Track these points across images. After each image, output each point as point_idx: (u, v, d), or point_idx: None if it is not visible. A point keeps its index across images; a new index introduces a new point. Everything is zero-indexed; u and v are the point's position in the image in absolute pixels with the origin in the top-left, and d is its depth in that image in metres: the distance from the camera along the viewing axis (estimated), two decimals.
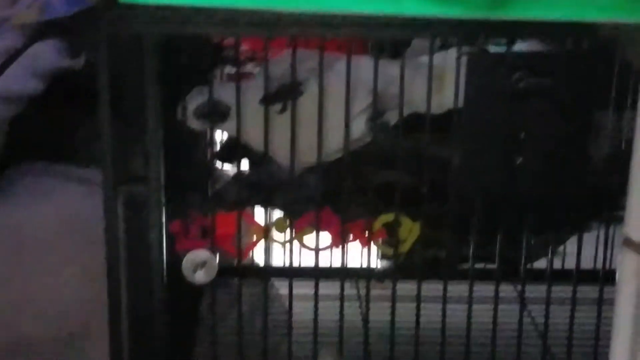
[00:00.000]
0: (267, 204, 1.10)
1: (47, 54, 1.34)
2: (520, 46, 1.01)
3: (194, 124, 1.07)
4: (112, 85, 0.98)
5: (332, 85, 1.04)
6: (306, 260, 1.21)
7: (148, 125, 0.99)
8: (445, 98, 1.04)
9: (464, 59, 1.00)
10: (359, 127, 1.06)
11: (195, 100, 1.07)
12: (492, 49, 1.01)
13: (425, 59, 1.02)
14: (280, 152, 1.07)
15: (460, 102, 1.02)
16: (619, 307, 0.66)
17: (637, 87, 0.70)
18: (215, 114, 1.05)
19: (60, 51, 1.36)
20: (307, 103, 1.05)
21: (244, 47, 1.29)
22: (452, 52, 1.03)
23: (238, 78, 1.06)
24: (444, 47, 1.08)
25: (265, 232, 1.09)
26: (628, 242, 0.64)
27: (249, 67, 1.34)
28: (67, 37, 1.37)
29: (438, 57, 1.02)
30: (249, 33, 1.01)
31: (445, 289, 1.10)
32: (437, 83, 1.02)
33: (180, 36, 1.00)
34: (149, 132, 0.99)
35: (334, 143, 1.05)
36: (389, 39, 1.05)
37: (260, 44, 1.18)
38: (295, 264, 1.13)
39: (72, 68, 1.32)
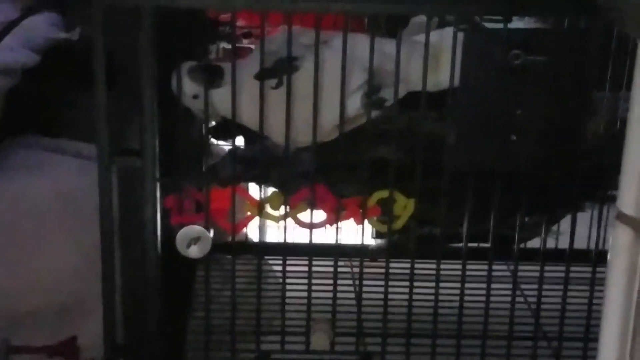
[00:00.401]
0: (262, 180, 1.10)
1: (42, 27, 1.33)
2: (517, 23, 1.01)
3: (188, 87, 1.06)
4: (108, 58, 0.97)
5: (328, 62, 1.03)
6: (300, 237, 1.22)
7: (143, 99, 0.98)
8: (441, 77, 1.04)
9: (460, 37, 0.99)
10: (355, 103, 1.06)
11: (190, 64, 1.06)
12: (489, 25, 1.01)
13: (421, 37, 1.02)
14: (275, 130, 1.07)
15: (457, 79, 1.01)
16: (610, 281, 0.66)
17: (633, 66, 0.69)
18: (209, 74, 1.04)
19: (55, 24, 1.36)
20: (302, 80, 1.05)
21: (241, 23, 1.29)
22: (449, 31, 1.03)
23: (234, 53, 1.06)
24: (442, 25, 1.08)
25: (259, 208, 1.09)
26: (621, 216, 0.64)
27: (245, 44, 1.35)
28: (62, 10, 1.37)
29: (434, 36, 1.02)
30: (244, 7, 1.00)
31: (438, 268, 1.10)
32: (433, 62, 1.02)
33: (176, 10, 0.99)
34: (144, 105, 0.99)
35: (330, 120, 1.05)
36: (385, 14, 1.04)
37: (256, 20, 1.18)
38: (289, 241, 1.13)
39: (67, 41, 1.32)
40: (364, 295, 1.14)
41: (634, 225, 0.63)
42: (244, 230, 1.34)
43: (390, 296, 1.11)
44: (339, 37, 1.03)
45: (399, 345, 1.13)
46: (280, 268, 1.13)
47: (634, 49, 0.66)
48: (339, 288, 1.11)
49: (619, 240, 0.65)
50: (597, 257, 1.14)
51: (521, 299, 1.25)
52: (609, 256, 0.67)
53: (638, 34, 0.62)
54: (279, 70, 1.04)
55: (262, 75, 1.03)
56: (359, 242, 1.12)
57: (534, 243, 1.24)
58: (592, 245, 1.26)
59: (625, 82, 1.16)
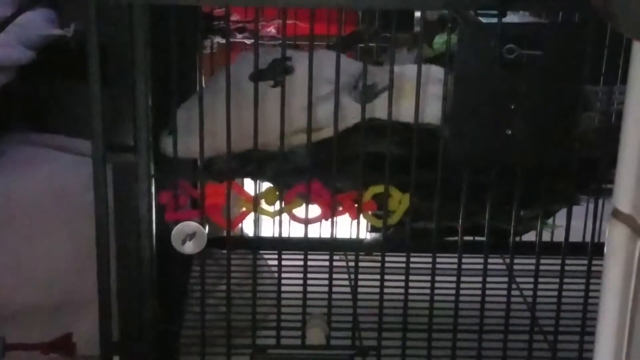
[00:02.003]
0: (257, 176, 1.10)
1: (36, 23, 1.33)
2: (511, 17, 1.01)
3: None
4: (102, 54, 0.97)
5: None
6: (295, 231, 1.21)
7: (137, 95, 0.98)
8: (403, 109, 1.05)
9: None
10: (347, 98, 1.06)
11: None
12: (484, 20, 1.01)
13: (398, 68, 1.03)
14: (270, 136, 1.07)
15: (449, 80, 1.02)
16: (606, 279, 0.66)
17: (628, 59, 0.69)
18: None
19: (49, 20, 1.36)
20: (296, 80, 1.05)
21: (235, 17, 1.29)
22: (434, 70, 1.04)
23: (228, 49, 1.05)
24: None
25: (254, 204, 1.08)
26: (616, 213, 0.64)
27: (239, 38, 1.34)
28: (57, 6, 1.36)
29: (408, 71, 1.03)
30: (238, 2, 1.00)
31: (434, 262, 1.10)
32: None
33: (169, 5, 0.99)
34: (139, 101, 0.98)
35: (323, 118, 1.05)
36: (378, 9, 1.04)
37: (251, 15, 1.18)
38: (285, 235, 1.13)
39: (62, 37, 1.32)
40: (360, 290, 1.14)
41: (630, 223, 0.63)
42: (239, 225, 1.34)
43: (385, 290, 1.11)
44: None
45: (395, 339, 1.13)
46: (275, 262, 1.13)
47: (629, 43, 0.66)
48: (334, 282, 1.11)
49: (615, 237, 0.65)
50: (593, 250, 1.13)
51: (517, 293, 1.25)
52: (605, 253, 0.67)
53: (633, 34, 0.61)
54: (274, 71, 1.04)
55: (256, 77, 1.02)
56: (355, 237, 1.12)
57: (530, 236, 1.24)
58: (588, 238, 1.26)
59: (620, 76, 1.16)
